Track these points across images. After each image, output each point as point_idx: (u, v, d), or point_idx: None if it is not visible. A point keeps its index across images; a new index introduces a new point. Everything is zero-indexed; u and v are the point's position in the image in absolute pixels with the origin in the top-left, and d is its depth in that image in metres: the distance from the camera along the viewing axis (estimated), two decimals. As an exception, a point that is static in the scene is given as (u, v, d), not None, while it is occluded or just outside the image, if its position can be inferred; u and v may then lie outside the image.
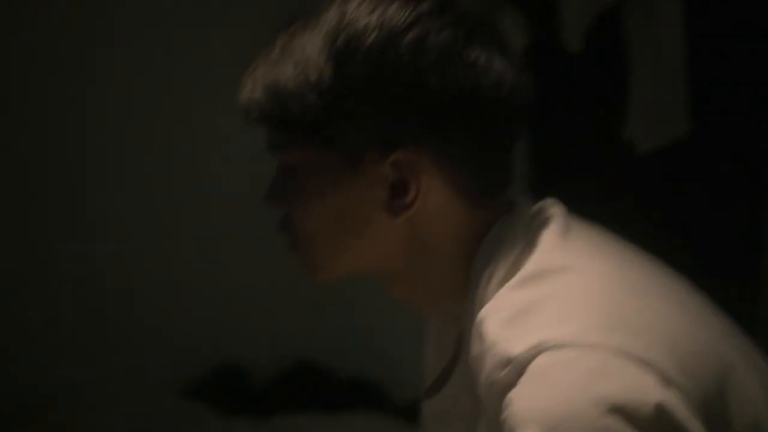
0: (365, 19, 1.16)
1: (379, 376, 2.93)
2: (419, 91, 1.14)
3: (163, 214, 2.97)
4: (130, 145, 3.00)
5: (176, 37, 3.04)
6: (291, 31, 1.20)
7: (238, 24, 2.99)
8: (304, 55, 1.16)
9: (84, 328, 2.82)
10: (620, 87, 2.69)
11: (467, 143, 1.17)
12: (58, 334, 2.79)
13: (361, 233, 1.18)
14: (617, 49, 2.69)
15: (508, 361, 1.08)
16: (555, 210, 1.21)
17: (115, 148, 3.00)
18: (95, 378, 2.80)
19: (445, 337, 1.31)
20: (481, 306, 1.15)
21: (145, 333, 2.90)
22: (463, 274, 1.19)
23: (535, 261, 1.16)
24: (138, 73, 2.97)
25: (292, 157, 1.19)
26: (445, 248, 1.19)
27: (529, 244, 1.17)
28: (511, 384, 1.08)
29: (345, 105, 1.15)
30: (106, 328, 2.85)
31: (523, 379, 1.07)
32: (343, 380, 2.91)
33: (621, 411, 1.03)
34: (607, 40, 2.69)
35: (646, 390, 1.05)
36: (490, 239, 1.18)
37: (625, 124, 2.68)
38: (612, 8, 2.67)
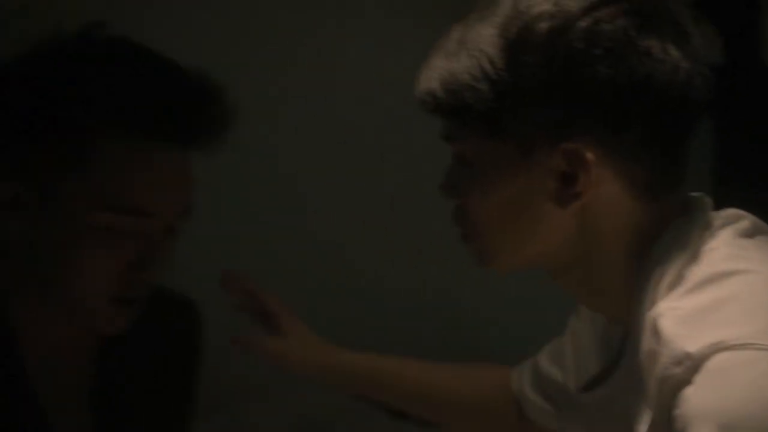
0: (539, 8, 1.16)
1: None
2: (591, 79, 1.13)
3: (371, 215, 3.03)
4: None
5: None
6: (467, 22, 1.21)
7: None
8: (478, 46, 1.17)
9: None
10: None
11: (639, 135, 1.16)
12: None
13: (531, 223, 1.19)
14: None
15: (684, 358, 1.07)
16: (737, 217, 1.20)
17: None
18: (275, 375, 2.85)
19: (605, 332, 1.32)
20: (651, 305, 1.14)
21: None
22: (630, 270, 1.18)
23: (711, 264, 1.14)
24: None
25: (466, 147, 1.21)
26: (613, 242, 1.18)
27: (705, 248, 1.16)
28: (685, 381, 1.07)
29: (517, 94, 1.15)
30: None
31: (699, 377, 1.06)
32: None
33: None
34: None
35: None
36: (666, 241, 1.17)
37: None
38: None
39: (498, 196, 1.19)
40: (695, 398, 1.06)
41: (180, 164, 1.38)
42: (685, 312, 1.11)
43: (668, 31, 1.16)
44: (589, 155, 1.15)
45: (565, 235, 1.19)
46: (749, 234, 1.19)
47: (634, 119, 1.15)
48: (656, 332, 1.11)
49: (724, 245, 1.17)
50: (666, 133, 1.17)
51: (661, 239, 1.17)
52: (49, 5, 2.72)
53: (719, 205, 1.24)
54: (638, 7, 1.15)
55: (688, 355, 1.07)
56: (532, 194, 1.18)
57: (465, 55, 1.17)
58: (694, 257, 1.16)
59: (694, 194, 1.23)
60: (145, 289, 1.38)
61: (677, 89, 1.15)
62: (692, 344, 1.07)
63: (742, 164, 2.80)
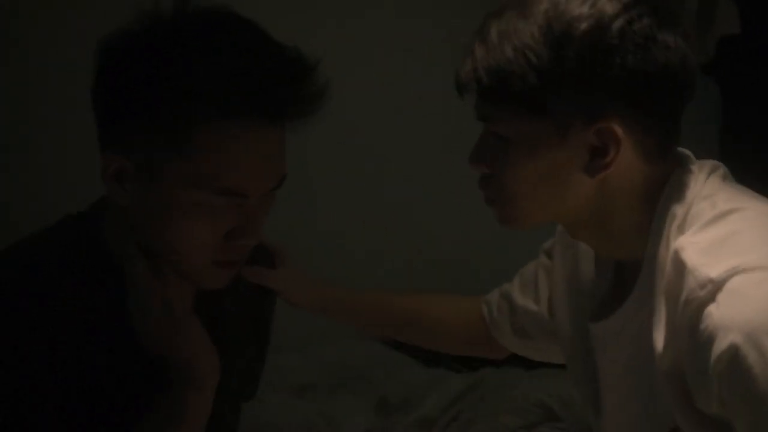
0: (578, 10, 1.36)
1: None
2: (622, 70, 1.34)
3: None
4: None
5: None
6: (504, 17, 1.39)
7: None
8: (522, 41, 1.35)
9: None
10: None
11: (655, 112, 1.37)
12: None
13: (561, 191, 1.39)
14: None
15: (707, 282, 1.29)
16: (716, 167, 1.43)
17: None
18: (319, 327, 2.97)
19: (587, 266, 1.54)
20: (666, 244, 1.36)
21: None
22: (641, 218, 1.40)
23: (715, 205, 1.36)
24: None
25: (507, 127, 1.39)
26: (627, 198, 1.40)
27: (703, 194, 1.39)
28: (709, 300, 1.28)
29: (560, 83, 1.35)
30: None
31: (721, 296, 1.28)
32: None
33: None
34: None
35: None
36: (669, 191, 1.39)
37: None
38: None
39: (534, 168, 1.38)
40: (719, 313, 1.27)
41: (275, 142, 1.39)
42: (704, 245, 1.33)
43: (676, 26, 1.37)
44: (618, 132, 1.36)
45: (587, 197, 1.39)
46: (725, 179, 1.42)
47: (653, 100, 1.36)
48: (679, 263, 1.33)
49: (718, 190, 1.39)
50: (674, 109, 1.39)
51: (664, 191, 1.39)
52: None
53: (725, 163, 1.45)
54: (656, 8, 1.36)
55: (710, 280, 1.28)
56: (564, 166, 1.38)
57: (510, 48, 1.35)
58: (696, 201, 1.38)
59: (681, 150, 1.44)
60: (243, 252, 1.44)
61: (685, 73, 1.37)
62: (713, 270, 1.28)
63: (745, 127, 2.97)
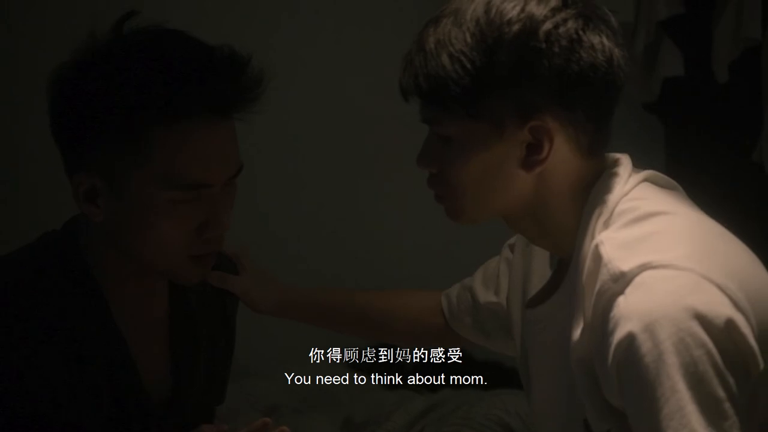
0: (509, 14, 1.42)
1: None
2: (552, 70, 1.43)
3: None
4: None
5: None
6: (440, 25, 1.47)
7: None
8: (456, 48, 1.44)
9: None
10: (755, 114, 3.00)
11: (584, 109, 1.46)
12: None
13: (502, 185, 1.47)
14: (755, 80, 3.00)
15: (620, 275, 1.37)
16: (655, 174, 1.52)
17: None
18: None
19: (541, 261, 1.63)
20: (590, 238, 1.44)
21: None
22: (573, 213, 1.48)
23: (640, 206, 1.44)
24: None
25: (448, 128, 1.48)
26: (561, 192, 1.48)
27: (631, 193, 1.47)
28: (619, 291, 1.36)
29: (493, 86, 1.42)
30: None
31: (630, 288, 1.35)
32: (488, 363, 3.20)
33: (701, 319, 1.31)
34: (748, 72, 3.02)
35: (721, 307, 1.33)
36: (597, 189, 1.46)
37: (756, 146, 2.99)
38: (756, 46, 3.01)
39: (475, 164, 1.45)
40: (624, 303, 1.35)
41: (226, 133, 1.49)
42: (621, 241, 1.39)
43: (602, 27, 1.46)
44: (550, 128, 1.42)
45: (525, 191, 1.47)
46: (661, 185, 1.50)
47: (582, 98, 1.45)
48: (597, 257, 1.40)
49: (649, 195, 1.47)
50: (603, 107, 1.47)
51: (595, 187, 1.48)
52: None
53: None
54: (582, 11, 1.45)
55: (622, 273, 1.36)
56: (503, 162, 1.44)
57: (446, 56, 1.42)
58: (624, 201, 1.45)
59: (616, 154, 1.52)
60: (216, 244, 1.53)
61: (612, 72, 1.45)
62: (626, 264, 1.36)
63: (687, 163, 3.11)
